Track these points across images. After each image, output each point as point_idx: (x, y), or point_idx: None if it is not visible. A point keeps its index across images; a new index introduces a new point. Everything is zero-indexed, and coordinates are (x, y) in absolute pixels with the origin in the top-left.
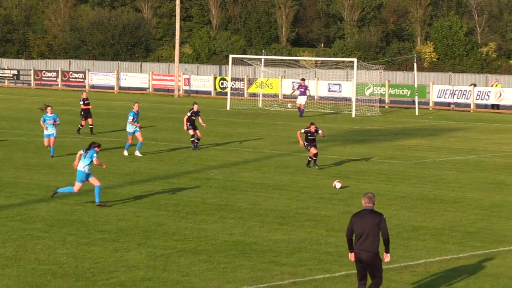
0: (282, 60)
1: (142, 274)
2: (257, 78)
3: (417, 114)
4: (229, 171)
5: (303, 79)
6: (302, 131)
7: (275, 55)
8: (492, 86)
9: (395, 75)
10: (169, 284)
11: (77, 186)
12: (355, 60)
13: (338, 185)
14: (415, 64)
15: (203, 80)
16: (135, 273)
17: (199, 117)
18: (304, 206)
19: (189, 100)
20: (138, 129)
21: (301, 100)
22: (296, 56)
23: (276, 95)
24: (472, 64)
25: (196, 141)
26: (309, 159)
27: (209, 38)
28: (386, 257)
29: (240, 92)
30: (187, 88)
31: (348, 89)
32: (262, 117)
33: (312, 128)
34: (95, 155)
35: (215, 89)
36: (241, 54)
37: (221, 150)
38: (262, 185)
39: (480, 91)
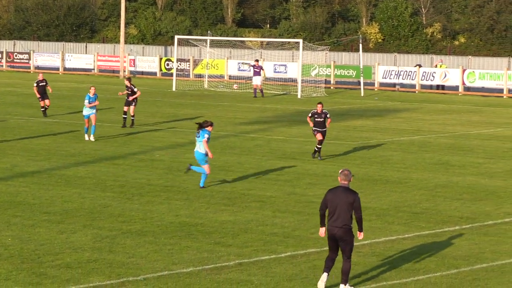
0: (228, 41)
1: (88, 255)
2: (202, 59)
3: (362, 95)
4: (175, 152)
5: (257, 60)
6: (310, 114)
7: (220, 36)
8: (436, 66)
9: (340, 56)
10: (115, 265)
11: (206, 168)
12: (300, 41)
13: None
14: (360, 45)
15: (148, 61)
16: (81, 254)
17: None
18: (250, 187)
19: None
20: (93, 112)
21: (257, 81)
22: (242, 37)
23: (222, 76)
24: (417, 45)
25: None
26: (316, 148)
27: (154, 19)
28: (360, 235)
29: (186, 73)
30: (132, 69)
31: (293, 70)
32: (208, 98)
33: (319, 109)
34: (206, 135)
35: (160, 70)
36: (186, 35)
37: (167, 131)
38: None
39: (425, 72)
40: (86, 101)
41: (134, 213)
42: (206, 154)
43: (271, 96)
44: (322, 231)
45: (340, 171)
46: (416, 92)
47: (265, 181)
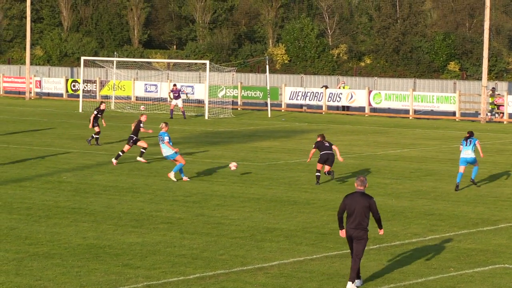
0: (135, 62)
1: None
2: (109, 80)
3: (269, 116)
4: (82, 174)
5: (174, 85)
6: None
7: (127, 57)
8: (339, 88)
9: (247, 77)
10: None
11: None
12: (207, 62)
13: (233, 167)
14: (267, 66)
15: (54, 82)
16: None
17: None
18: (158, 208)
19: (41, 103)
20: None
21: (178, 103)
22: (149, 58)
23: (128, 97)
24: (323, 66)
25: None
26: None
27: (60, 40)
28: (381, 232)
29: (93, 94)
30: (38, 90)
31: (201, 91)
32: (115, 120)
33: (319, 138)
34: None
35: (67, 91)
36: (93, 56)
37: (74, 153)
38: (115, 188)
39: (332, 93)
40: None
41: (41, 235)
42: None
43: (177, 117)
44: (343, 233)
45: (356, 178)
46: (323, 113)
47: (173, 202)
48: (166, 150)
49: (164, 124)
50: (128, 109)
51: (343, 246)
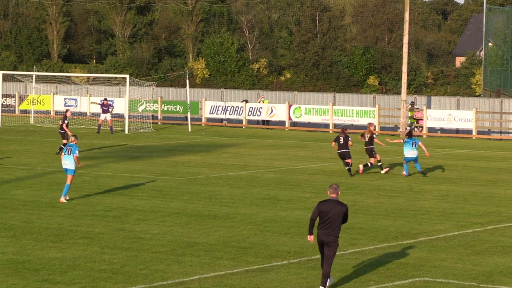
0: (54, 76)
1: None
2: (28, 95)
3: (190, 130)
4: (1, 188)
5: (105, 99)
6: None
7: (46, 71)
8: (259, 102)
9: (167, 92)
10: None
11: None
12: (127, 76)
13: None
14: (187, 81)
15: None
16: None
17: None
18: (77, 223)
19: None
20: None
21: (106, 117)
22: (68, 72)
23: (48, 112)
24: (244, 80)
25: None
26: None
27: None
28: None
29: (12, 109)
30: None
31: (121, 106)
32: (34, 134)
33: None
34: (76, 151)
35: None
36: (11, 70)
37: None
38: (35, 202)
39: (252, 107)
40: None
41: None
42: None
43: (96, 132)
44: (311, 238)
45: (329, 186)
46: (243, 127)
47: (93, 217)
48: (70, 163)
49: (73, 138)
50: (48, 124)
51: (264, 260)
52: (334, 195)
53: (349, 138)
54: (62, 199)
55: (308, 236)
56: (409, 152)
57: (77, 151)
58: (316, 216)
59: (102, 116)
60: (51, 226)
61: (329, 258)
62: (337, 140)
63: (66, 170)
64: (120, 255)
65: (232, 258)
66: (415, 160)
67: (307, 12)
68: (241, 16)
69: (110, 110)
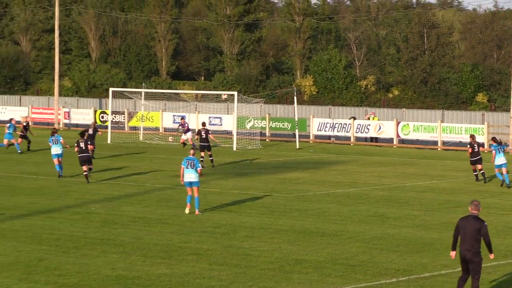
0: (163, 93)
1: None
2: (137, 112)
3: (298, 147)
4: (111, 205)
5: (182, 118)
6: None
7: (155, 88)
8: (368, 118)
9: (275, 108)
10: None
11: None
12: (235, 93)
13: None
14: (295, 98)
15: (83, 113)
16: None
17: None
18: (186, 240)
19: (69, 134)
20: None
21: (187, 136)
22: (177, 89)
23: (157, 129)
24: (351, 97)
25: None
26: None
27: (88, 71)
28: (491, 256)
29: (121, 125)
30: (67, 121)
31: (229, 122)
32: (143, 151)
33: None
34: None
35: (95, 122)
36: (121, 87)
37: (103, 184)
38: (144, 219)
39: (360, 124)
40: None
41: (70, 267)
42: None
43: None
44: (453, 254)
45: (470, 202)
46: (351, 144)
47: (202, 233)
48: (195, 176)
49: (193, 151)
50: (157, 140)
51: (372, 278)
52: (475, 212)
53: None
54: (197, 212)
55: (451, 252)
56: (500, 159)
57: (200, 165)
58: (457, 232)
59: (184, 136)
60: (160, 242)
61: (474, 274)
62: (471, 146)
63: (191, 183)
64: (229, 272)
65: (340, 276)
66: (505, 166)
67: (415, 29)
68: (348, 33)
69: (185, 129)
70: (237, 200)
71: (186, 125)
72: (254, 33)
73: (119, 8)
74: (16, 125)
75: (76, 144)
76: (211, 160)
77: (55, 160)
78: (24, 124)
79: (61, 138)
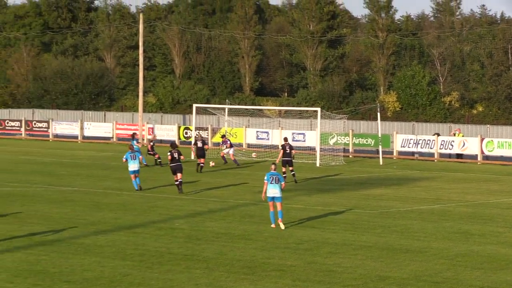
0: (246, 109)
1: None
2: (221, 128)
3: (381, 163)
4: (194, 220)
5: (223, 136)
6: None
7: (238, 104)
8: (454, 135)
9: (358, 125)
10: None
11: None
12: (318, 109)
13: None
14: (378, 114)
15: (167, 129)
16: None
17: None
18: (269, 256)
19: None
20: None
21: (231, 152)
22: (260, 105)
23: (240, 145)
24: (435, 113)
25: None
26: None
27: (172, 87)
28: None
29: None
30: (151, 137)
31: (312, 138)
32: (226, 167)
33: None
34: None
35: (179, 138)
36: (205, 103)
37: (186, 200)
38: (227, 234)
39: (444, 141)
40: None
41: (154, 282)
42: None
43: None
44: None
45: None
46: (435, 160)
47: (285, 250)
48: (279, 191)
49: (274, 166)
50: (240, 156)
51: None
52: None
53: None
54: (282, 225)
55: None
56: None
57: (284, 179)
58: None
59: (226, 150)
60: (243, 258)
61: None
62: None
63: (273, 198)
64: None
65: None
66: None
67: (499, 45)
68: (432, 49)
69: (227, 145)
70: (320, 216)
71: (228, 141)
72: (337, 49)
73: (203, 25)
74: (137, 143)
75: (169, 154)
76: (293, 175)
77: (132, 176)
78: (151, 144)
79: (140, 155)
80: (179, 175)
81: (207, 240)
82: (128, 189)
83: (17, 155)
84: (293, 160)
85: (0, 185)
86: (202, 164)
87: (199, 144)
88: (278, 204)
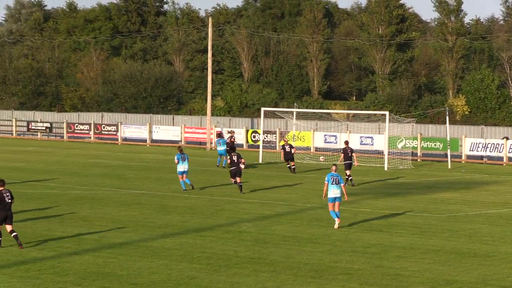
0: (314, 113)
1: None
2: (289, 131)
3: (449, 167)
4: (262, 224)
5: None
6: None
7: (306, 108)
8: None
9: (427, 128)
10: None
11: None
12: (387, 113)
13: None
14: (447, 117)
15: (235, 133)
16: None
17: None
18: (337, 259)
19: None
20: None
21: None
22: (328, 109)
23: (308, 148)
24: (504, 117)
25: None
26: None
27: (240, 91)
28: None
29: (272, 145)
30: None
31: (380, 142)
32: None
33: None
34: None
35: (247, 142)
36: (273, 107)
37: (254, 203)
38: (294, 238)
39: None
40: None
41: (221, 285)
42: None
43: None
44: None
45: None
46: (504, 164)
47: (352, 253)
48: (340, 192)
49: (335, 167)
50: (308, 160)
51: None
52: None
53: None
54: (339, 220)
55: None
56: None
57: (343, 180)
58: None
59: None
60: (310, 262)
61: None
62: None
63: (334, 199)
64: None
65: None
66: None
67: None
68: (502, 53)
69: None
70: (388, 220)
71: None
72: (406, 52)
73: (271, 29)
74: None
75: (229, 157)
76: (351, 180)
77: (180, 177)
78: (232, 139)
79: (188, 157)
80: (238, 178)
81: (274, 244)
82: (196, 193)
83: (86, 158)
84: (359, 164)
85: (69, 188)
86: (294, 166)
87: (287, 148)
88: (337, 205)
